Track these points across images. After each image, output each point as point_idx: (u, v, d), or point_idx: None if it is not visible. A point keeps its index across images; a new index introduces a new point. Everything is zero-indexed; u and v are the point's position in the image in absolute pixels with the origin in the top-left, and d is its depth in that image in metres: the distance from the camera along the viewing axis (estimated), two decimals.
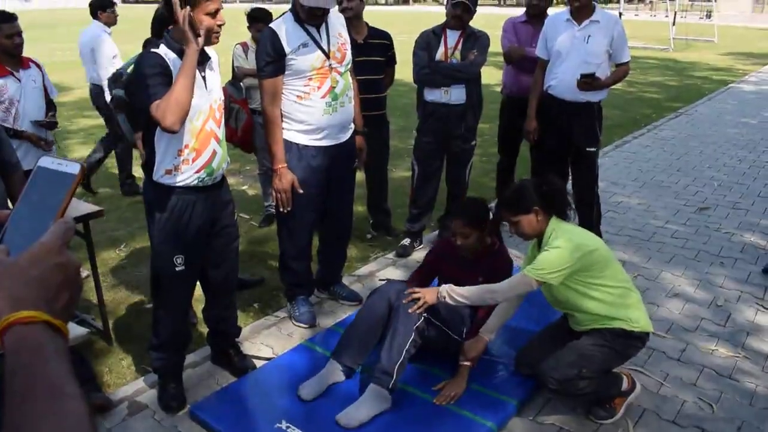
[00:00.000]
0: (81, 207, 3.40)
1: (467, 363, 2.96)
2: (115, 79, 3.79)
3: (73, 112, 9.62)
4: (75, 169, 0.75)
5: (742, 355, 3.31)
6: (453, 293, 2.80)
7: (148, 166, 2.72)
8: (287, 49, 3.20)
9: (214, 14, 2.54)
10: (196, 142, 2.65)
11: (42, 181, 0.76)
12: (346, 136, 3.52)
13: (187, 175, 2.67)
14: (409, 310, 2.82)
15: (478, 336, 2.97)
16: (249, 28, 4.73)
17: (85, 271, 3.68)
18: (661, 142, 8.10)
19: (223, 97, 2.83)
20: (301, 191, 3.38)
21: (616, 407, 2.84)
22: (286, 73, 3.27)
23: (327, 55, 3.27)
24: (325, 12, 3.25)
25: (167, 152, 2.64)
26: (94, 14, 5.62)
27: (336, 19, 3.42)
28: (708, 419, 2.84)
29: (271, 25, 3.32)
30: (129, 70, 3.24)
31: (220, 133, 2.78)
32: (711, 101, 11.17)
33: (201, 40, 2.48)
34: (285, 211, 3.42)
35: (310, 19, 3.24)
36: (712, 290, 4.04)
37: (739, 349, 3.37)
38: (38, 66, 4.01)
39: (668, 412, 2.88)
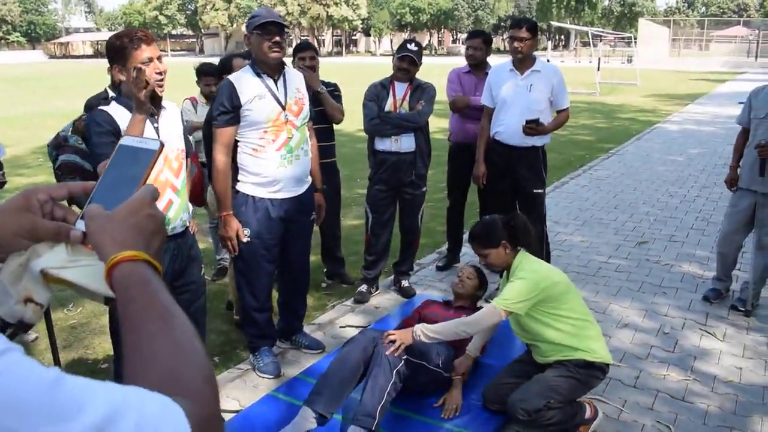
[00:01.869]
0: None
1: (459, 376, 3.20)
2: (58, 145, 3.71)
3: (6, 170, 9.34)
4: (155, 145, 0.85)
5: (692, 378, 3.48)
6: (427, 331, 2.88)
7: None
8: (243, 100, 3.28)
9: (147, 62, 2.50)
10: None
11: (124, 156, 0.85)
12: (302, 189, 3.58)
13: None
14: (387, 353, 2.86)
15: (466, 354, 3.24)
16: (198, 83, 4.79)
17: (33, 334, 3.58)
18: (597, 181, 8.48)
19: (183, 148, 2.83)
20: (245, 239, 3.43)
21: None
22: (242, 124, 3.33)
23: (283, 107, 3.35)
24: (282, 45, 3.24)
25: None
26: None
27: (295, 75, 3.51)
28: None
29: (229, 76, 3.39)
30: (71, 133, 3.21)
31: (178, 183, 2.78)
32: (639, 141, 11.78)
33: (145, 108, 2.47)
34: (234, 254, 3.47)
35: (268, 58, 3.25)
36: (659, 319, 4.24)
37: (688, 372, 3.55)
38: None
39: None
